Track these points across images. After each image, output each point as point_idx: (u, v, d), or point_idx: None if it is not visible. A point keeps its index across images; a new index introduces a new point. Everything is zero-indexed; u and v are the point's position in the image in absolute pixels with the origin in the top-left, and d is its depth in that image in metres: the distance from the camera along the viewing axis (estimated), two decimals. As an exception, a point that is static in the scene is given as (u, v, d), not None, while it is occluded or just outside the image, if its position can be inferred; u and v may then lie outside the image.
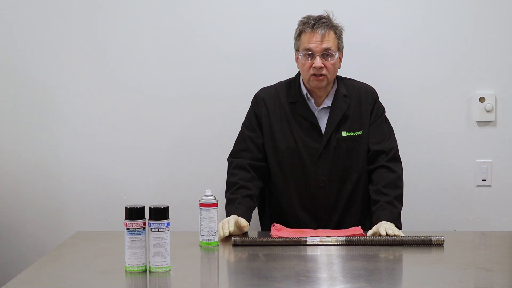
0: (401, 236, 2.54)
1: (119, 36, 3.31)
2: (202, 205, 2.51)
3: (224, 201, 2.84)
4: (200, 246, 2.51)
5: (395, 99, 3.26)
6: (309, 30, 2.78)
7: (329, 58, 2.78)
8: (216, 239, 2.51)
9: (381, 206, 2.75)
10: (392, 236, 2.54)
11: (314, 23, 2.78)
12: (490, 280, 2.18)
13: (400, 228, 2.72)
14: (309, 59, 2.79)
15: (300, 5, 3.21)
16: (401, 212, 2.80)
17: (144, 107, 3.34)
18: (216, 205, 2.51)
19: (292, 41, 2.88)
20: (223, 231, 2.57)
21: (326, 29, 2.78)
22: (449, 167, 3.32)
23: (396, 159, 2.89)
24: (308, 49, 2.78)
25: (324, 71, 2.78)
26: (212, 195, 2.52)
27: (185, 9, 3.29)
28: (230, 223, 2.61)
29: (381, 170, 2.84)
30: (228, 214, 2.75)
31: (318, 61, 2.77)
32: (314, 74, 2.79)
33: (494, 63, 3.28)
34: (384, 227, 2.59)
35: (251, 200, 2.80)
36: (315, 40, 2.77)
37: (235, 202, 2.76)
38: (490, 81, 3.29)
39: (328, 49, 2.78)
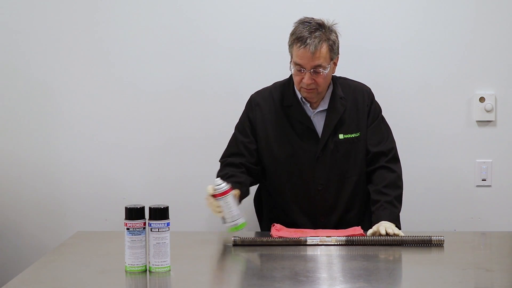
0: (401, 236, 2.54)
1: (118, 36, 3.31)
2: (216, 195, 2.47)
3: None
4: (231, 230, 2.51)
5: (395, 99, 3.26)
6: (301, 46, 2.70)
7: (319, 74, 2.73)
8: (242, 221, 2.49)
9: (381, 206, 2.75)
10: (392, 235, 2.54)
11: (306, 38, 2.70)
12: (490, 280, 2.18)
13: (399, 229, 2.72)
14: (300, 72, 2.74)
15: (298, 4, 3.21)
16: (401, 212, 2.79)
17: (144, 107, 3.34)
18: (229, 190, 2.47)
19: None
20: (214, 207, 2.50)
21: (318, 44, 2.69)
22: (449, 167, 3.32)
23: (396, 159, 2.88)
24: (299, 65, 2.73)
25: (313, 86, 2.75)
26: (223, 182, 2.47)
27: (182, 8, 3.29)
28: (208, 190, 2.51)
29: (381, 171, 2.84)
30: None
31: (307, 78, 2.72)
32: (303, 87, 2.76)
33: (494, 63, 3.28)
34: (384, 226, 2.59)
35: (240, 186, 2.70)
36: (306, 57, 2.70)
37: None
38: (490, 81, 3.29)
39: (319, 66, 2.72)
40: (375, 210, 2.76)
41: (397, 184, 2.82)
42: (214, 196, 2.47)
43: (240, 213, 2.51)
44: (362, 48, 3.27)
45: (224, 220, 2.52)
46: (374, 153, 2.85)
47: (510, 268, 2.30)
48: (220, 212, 2.51)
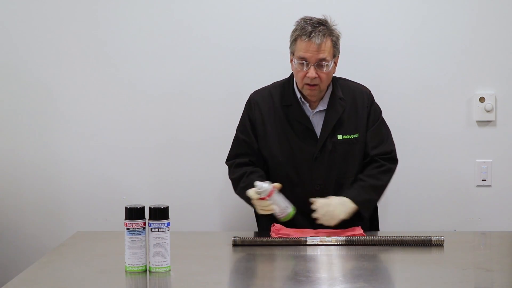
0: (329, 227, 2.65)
1: (119, 37, 3.31)
2: (264, 198, 2.59)
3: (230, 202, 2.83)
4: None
5: (395, 99, 3.26)
6: (306, 39, 2.71)
7: (323, 68, 2.73)
8: (291, 209, 2.64)
9: (352, 186, 2.77)
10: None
11: (311, 31, 2.71)
12: (490, 280, 2.18)
13: (363, 216, 2.73)
14: (304, 67, 2.74)
15: (298, 5, 3.21)
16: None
17: (143, 107, 3.34)
18: (272, 191, 2.59)
19: (288, 41, 2.85)
20: (264, 207, 2.63)
21: (322, 38, 2.71)
22: (449, 167, 3.32)
23: (392, 159, 2.87)
24: (303, 58, 2.73)
25: (317, 81, 2.75)
26: (264, 183, 2.59)
27: (181, 9, 3.29)
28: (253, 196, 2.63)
29: (372, 165, 2.83)
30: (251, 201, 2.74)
31: (312, 72, 2.72)
32: (307, 83, 2.77)
33: (494, 63, 3.28)
34: (322, 205, 2.65)
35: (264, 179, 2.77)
36: (311, 50, 2.71)
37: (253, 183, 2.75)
38: (490, 81, 3.29)
39: (323, 59, 2.72)
40: (345, 190, 2.78)
41: (378, 177, 2.81)
42: (262, 199, 2.59)
43: (287, 203, 2.65)
44: (362, 49, 3.27)
45: (276, 214, 2.66)
46: (373, 156, 2.85)
47: (510, 268, 2.30)
48: (270, 210, 2.63)
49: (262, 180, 2.66)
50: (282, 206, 2.64)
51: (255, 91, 2.95)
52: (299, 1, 3.25)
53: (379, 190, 2.82)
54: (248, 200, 2.76)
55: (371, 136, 2.86)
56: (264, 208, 2.64)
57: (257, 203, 2.64)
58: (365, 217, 2.77)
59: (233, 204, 3.30)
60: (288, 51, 2.83)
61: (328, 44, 2.73)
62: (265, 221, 2.93)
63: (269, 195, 2.60)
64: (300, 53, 2.73)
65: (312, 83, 2.75)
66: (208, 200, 3.36)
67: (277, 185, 2.65)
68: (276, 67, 3.14)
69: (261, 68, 3.27)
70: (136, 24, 3.31)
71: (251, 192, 2.65)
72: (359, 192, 2.75)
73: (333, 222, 2.67)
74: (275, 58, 3.20)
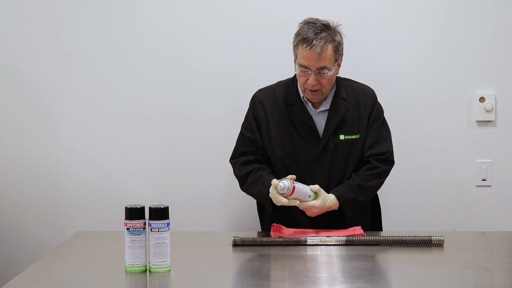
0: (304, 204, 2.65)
1: (119, 36, 3.30)
2: (289, 195, 2.59)
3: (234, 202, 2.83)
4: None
5: (395, 99, 3.26)
6: (307, 47, 2.70)
7: (324, 75, 2.73)
8: (312, 192, 2.66)
9: (341, 184, 2.79)
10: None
11: (312, 39, 2.69)
12: (490, 280, 2.18)
13: (345, 214, 2.74)
14: (305, 74, 2.74)
15: (302, 5, 3.21)
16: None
17: (144, 107, 3.33)
18: (294, 188, 2.58)
19: (291, 41, 2.85)
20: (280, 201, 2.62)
21: (323, 47, 2.69)
22: (449, 167, 3.32)
23: (388, 161, 2.85)
24: (304, 66, 2.73)
25: (318, 87, 2.75)
26: (283, 180, 2.58)
27: (181, 8, 3.29)
28: (280, 198, 2.62)
29: (365, 166, 2.83)
30: (260, 195, 2.76)
31: (312, 79, 2.72)
32: (308, 89, 2.77)
33: (494, 63, 3.28)
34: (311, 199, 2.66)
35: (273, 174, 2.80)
36: (312, 59, 2.70)
37: (263, 178, 2.76)
38: (490, 81, 3.29)
39: (324, 67, 2.72)
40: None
41: (368, 178, 2.80)
42: (286, 197, 2.59)
43: (308, 188, 2.65)
44: (362, 49, 3.26)
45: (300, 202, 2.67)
46: (367, 156, 2.84)
47: (510, 268, 2.30)
48: (299, 201, 2.65)
49: (271, 176, 2.68)
50: (307, 194, 2.64)
51: (260, 89, 2.95)
52: (304, 1, 3.24)
53: (366, 191, 2.81)
54: (256, 195, 2.80)
55: (369, 136, 2.86)
56: (292, 203, 2.64)
57: (282, 202, 2.62)
58: (348, 217, 2.77)
59: (235, 203, 3.31)
60: (291, 52, 2.82)
61: (329, 51, 2.72)
62: (268, 220, 2.94)
63: (293, 191, 2.58)
64: (301, 60, 2.74)
65: (313, 89, 2.76)
66: (209, 200, 3.35)
67: (293, 176, 2.67)
68: (280, 69, 3.12)
69: (264, 70, 3.25)
70: (138, 24, 3.30)
71: (274, 194, 2.62)
72: (344, 190, 2.76)
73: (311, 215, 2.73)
74: (279, 61, 3.20)
